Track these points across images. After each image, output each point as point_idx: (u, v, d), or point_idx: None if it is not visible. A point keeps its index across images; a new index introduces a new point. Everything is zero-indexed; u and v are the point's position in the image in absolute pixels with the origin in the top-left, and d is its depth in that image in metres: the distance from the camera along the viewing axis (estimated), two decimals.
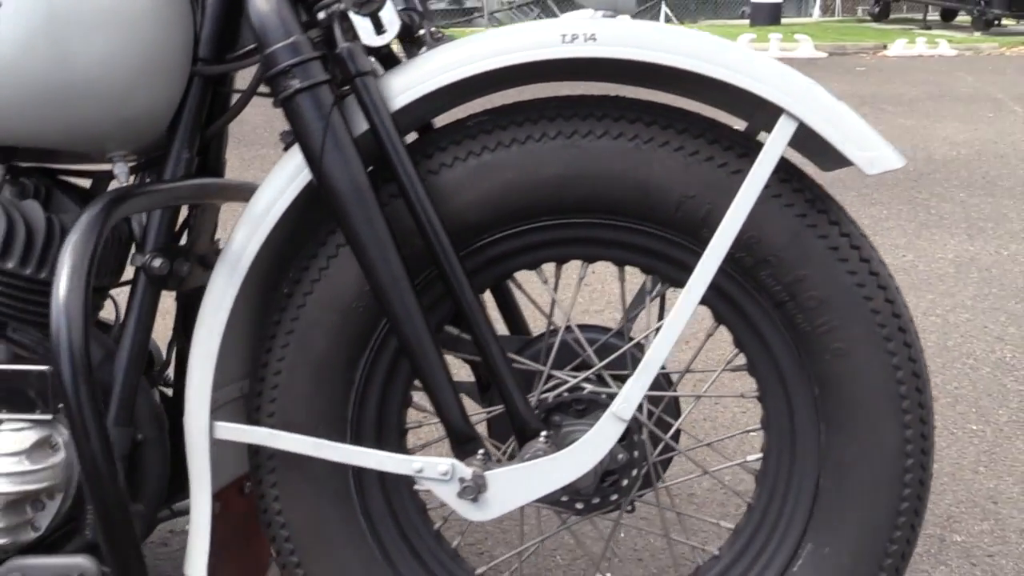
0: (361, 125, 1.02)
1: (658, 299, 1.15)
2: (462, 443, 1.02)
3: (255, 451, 1.12)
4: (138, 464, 1.12)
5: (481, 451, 1.01)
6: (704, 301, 1.08)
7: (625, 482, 1.09)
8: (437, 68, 1.01)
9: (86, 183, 1.20)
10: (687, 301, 0.99)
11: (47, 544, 1.10)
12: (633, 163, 1.02)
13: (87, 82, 1.02)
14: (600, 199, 1.04)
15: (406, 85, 1.01)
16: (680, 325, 0.98)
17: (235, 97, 1.15)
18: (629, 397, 0.98)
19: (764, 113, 1.05)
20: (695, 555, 1.17)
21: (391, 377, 1.12)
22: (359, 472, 1.12)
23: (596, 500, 1.09)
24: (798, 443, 1.08)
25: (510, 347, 1.11)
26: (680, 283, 1.09)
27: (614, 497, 1.09)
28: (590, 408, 1.09)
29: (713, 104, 1.10)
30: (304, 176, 1.04)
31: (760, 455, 1.13)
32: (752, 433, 1.15)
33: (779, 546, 1.10)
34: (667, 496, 1.15)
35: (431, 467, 0.99)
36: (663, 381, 1.12)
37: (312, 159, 1.00)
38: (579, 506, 1.10)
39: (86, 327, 0.89)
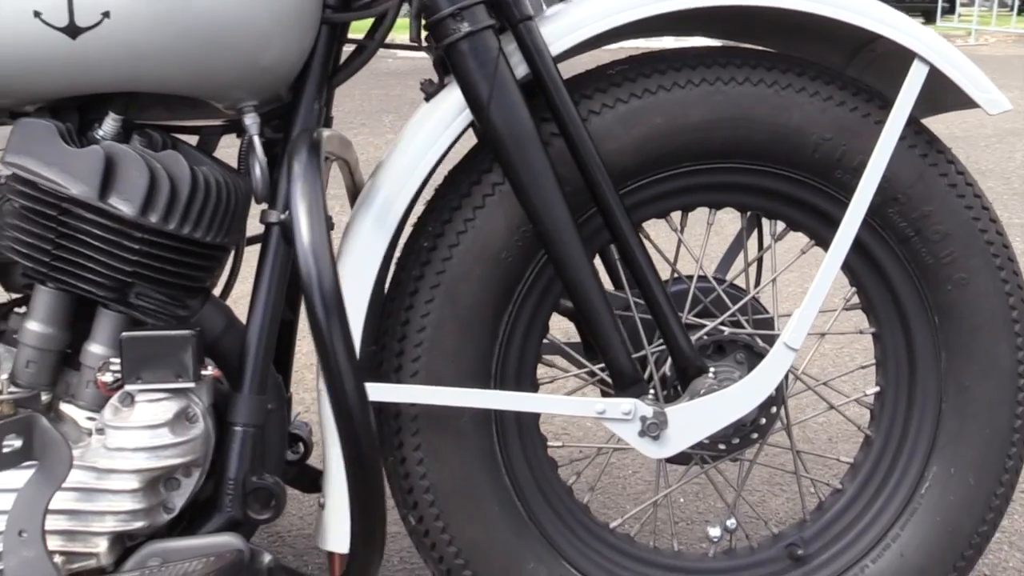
0: (518, 70, 1.01)
1: (767, 243, 1.20)
2: (628, 385, 1.03)
3: (395, 414, 1.08)
4: (267, 435, 1.06)
5: (650, 392, 1.02)
6: (822, 243, 1.14)
7: (764, 420, 1.12)
8: (598, 13, 1.02)
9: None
10: (844, 235, 1.04)
11: (181, 527, 1.01)
12: (774, 107, 1.07)
13: (227, 28, 0.96)
14: (742, 144, 1.07)
15: (566, 30, 1.02)
16: (841, 255, 1.03)
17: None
18: (798, 326, 1.02)
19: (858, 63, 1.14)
20: (817, 490, 1.22)
21: (529, 330, 1.11)
22: (502, 429, 1.10)
23: (736, 440, 1.12)
24: (918, 373, 1.15)
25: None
26: (803, 226, 1.15)
27: (753, 436, 1.12)
28: (728, 350, 1.12)
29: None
30: (459, 123, 1.02)
31: (877, 389, 1.19)
32: (864, 369, 1.21)
33: (904, 473, 1.16)
34: (786, 436, 1.19)
35: (613, 407, 0.99)
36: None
37: (478, 104, 0.99)
38: (721, 447, 1.12)
39: (334, 270, 0.84)
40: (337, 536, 1.03)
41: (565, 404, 1.03)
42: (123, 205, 0.94)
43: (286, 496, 1.03)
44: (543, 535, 1.11)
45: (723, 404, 1.01)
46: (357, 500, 0.90)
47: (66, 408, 1.01)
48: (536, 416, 1.15)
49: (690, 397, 1.02)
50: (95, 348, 1.00)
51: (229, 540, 0.98)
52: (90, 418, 1.00)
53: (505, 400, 1.04)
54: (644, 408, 1.00)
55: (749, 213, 1.19)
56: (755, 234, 1.24)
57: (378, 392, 1.03)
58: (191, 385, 0.97)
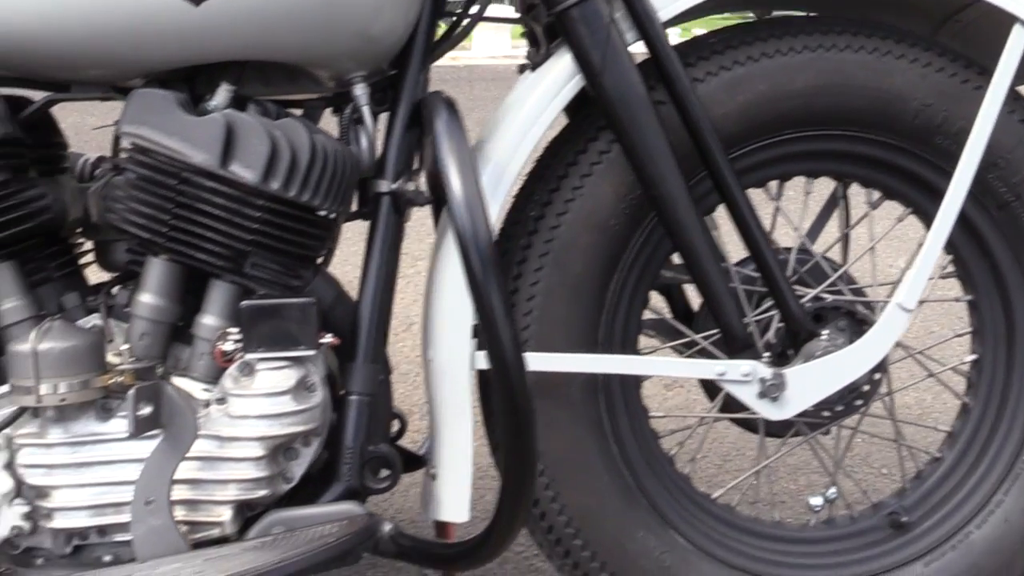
0: (627, 36, 1.02)
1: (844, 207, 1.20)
2: (740, 349, 1.03)
3: None
4: (377, 405, 1.05)
5: (765, 355, 1.02)
6: (919, 212, 1.15)
7: (867, 387, 1.13)
8: None
9: None
10: (953, 197, 1.04)
11: (299, 497, 1.01)
12: (875, 73, 1.08)
13: None
14: (843, 110, 1.08)
15: None
16: (951, 218, 1.04)
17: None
18: (912, 288, 1.02)
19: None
20: (915, 459, 1.22)
21: (633, 299, 1.11)
22: (609, 399, 1.10)
23: (840, 408, 1.12)
24: (1017, 339, 1.15)
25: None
26: (900, 194, 1.15)
27: (857, 404, 1.13)
28: (829, 318, 1.12)
29: None
30: (568, 90, 1.03)
31: (974, 357, 1.19)
32: (958, 338, 1.22)
33: (1005, 439, 1.16)
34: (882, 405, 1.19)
35: (733, 369, 1.00)
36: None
37: (591, 70, 1.00)
38: (825, 415, 1.12)
39: (489, 224, 0.84)
40: (454, 506, 1.03)
41: (686, 367, 1.03)
42: (245, 172, 0.94)
43: (401, 465, 1.03)
44: (651, 504, 1.11)
45: (840, 365, 1.01)
46: (513, 461, 0.90)
47: (179, 381, 1.01)
48: (639, 386, 1.15)
49: (804, 360, 1.02)
50: (208, 320, 1.00)
51: (350, 508, 0.98)
52: (205, 390, 0.99)
53: (631, 364, 1.05)
54: (763, 370, 1.00)
55: (838, 183, 1.19)
56: (840, 204, 1.25)
57: (483, 360, 1.03)
58: (312, 353, 0.97)
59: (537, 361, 1.03)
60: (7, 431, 0.96)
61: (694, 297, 1.16)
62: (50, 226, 1.02)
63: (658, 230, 1.09)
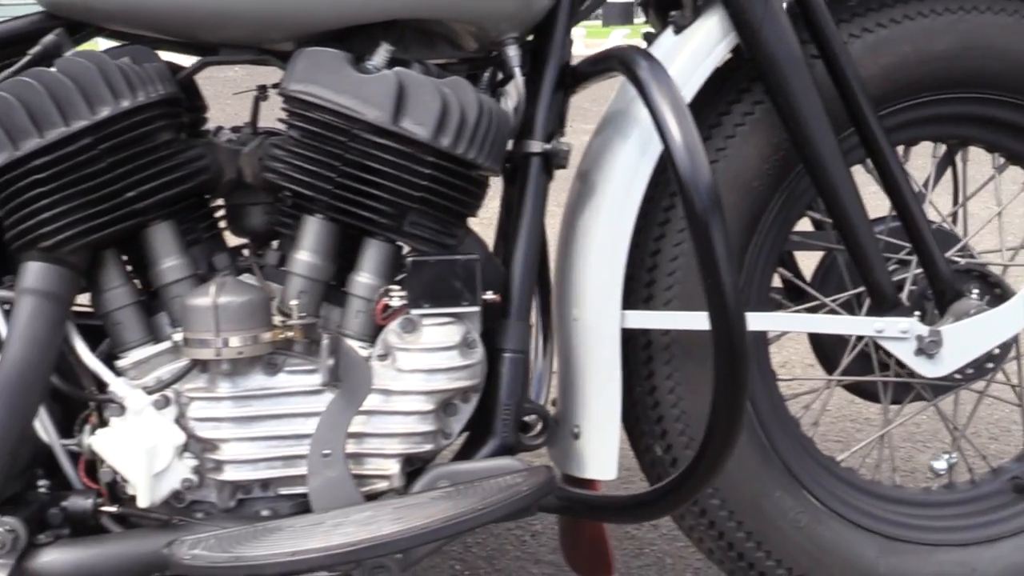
0: None
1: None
2: (888, 307, 1.05)
3: (644, 344, 1.09)
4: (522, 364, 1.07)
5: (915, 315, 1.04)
6: None
7: (998, 350, 1.14)
8: None
9: None
10: None
11: (456, 452, 1.03)
12: (1017, 36, 1.09)
13: None
14: (983, 73, 1.10)
15: None
16: None
17: None
18: None
19: None
20: None
21: (768, 260, 1.13)
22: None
23: (970, 370, 1.14)
24: None
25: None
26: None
27: (987, 366, 1.14)
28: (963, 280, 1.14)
29: None
30: (720, 50, 1.04)
31: None
32: None
33: None
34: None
35: (891, 326, 1.01)
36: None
37: (749, 29, 1.01)
38: (957, 376, 1.14)
39: (710, 169, 0.86)
40: (601, 464, 1.05)
41: (844, 324, 1.05)
42: (417, 128, 0.95)
43: (554, 421, 1.05)
44: (784, 465, 1.13)
45: (994, 325, 1.03)
46: (723, 412, 0.91)
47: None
48: (767, 348, 1.16)
49: (954, 319, 1.04)
50: (364, 278, 1.01)
51: (511, 463, 1.00)
52: (362, 347, 1.01)
53: (793, 322, 1.07)
54: (920, 327, 1.02)
55: (954, 148, 1.21)
56: (948, 169, 1.26)
57: (632, 320, 1.05)
58: (476, 309, 0.99)
59: (686, 320, 1.05)
60: (175, 386, 0.98)
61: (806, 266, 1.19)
62: (206, 187, 1.03)
63: (795, 192, 1.11)
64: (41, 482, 1.00)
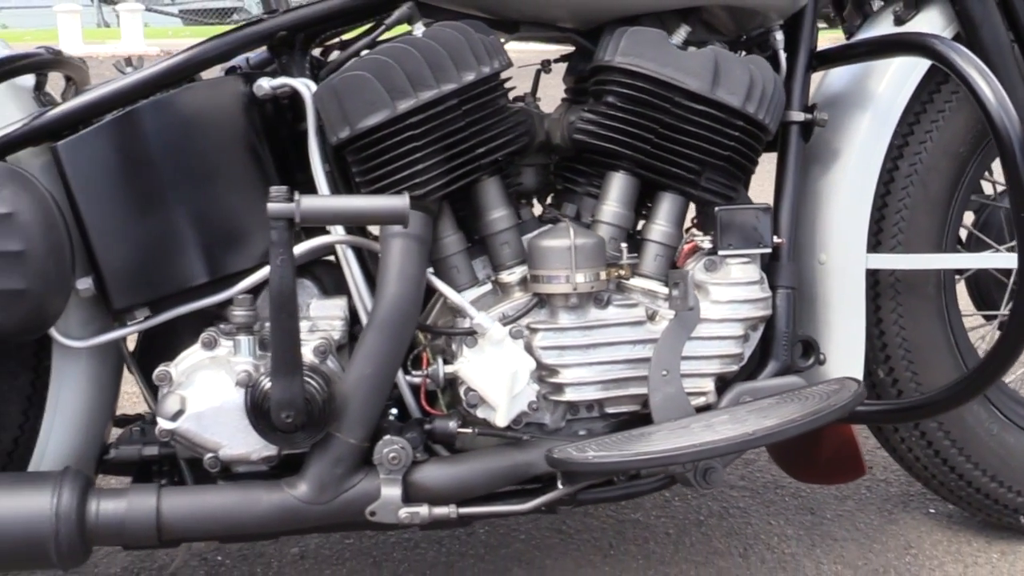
0: None
1: None
2: None
3: (873, 283, 1.29)
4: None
5: None
6: None
7: None
8: None
9: None
10: None
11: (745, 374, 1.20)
12: None
13: None
14: None
15: None
16: None
17: None
18: None
19: None
20: None
21: (960, 213, 1.35)
22: (947, 294, 1.33)
23: None
24: None
25: None
26: None
27: None
28: None
29: None
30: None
31: None
32: None
33: None
34: None
35: None
36: None
37: (971, 22, 1.22)
38: None
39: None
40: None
41: None
42: (730, 97, 1.12)
43: (819, 348, 1.23)
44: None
45: None
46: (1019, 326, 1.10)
47: (634, 282, 1.18)
48: (954, 288, 1.38)
49: None
50: (661, 226, 1.17)
51: (796, 380, 1.18)
52: (661, 285, 1.17)
53: (1005, 260, 1.30)
54: None
55: None
56: None
57: (875, 261, 1.25)
58: (768, 250, 1.17)
59: (924, 261, 1.26)
60: (521, 320, 1.12)
61: None
62: (524, 147, 1.17)
63: (984, 156, 1.33)
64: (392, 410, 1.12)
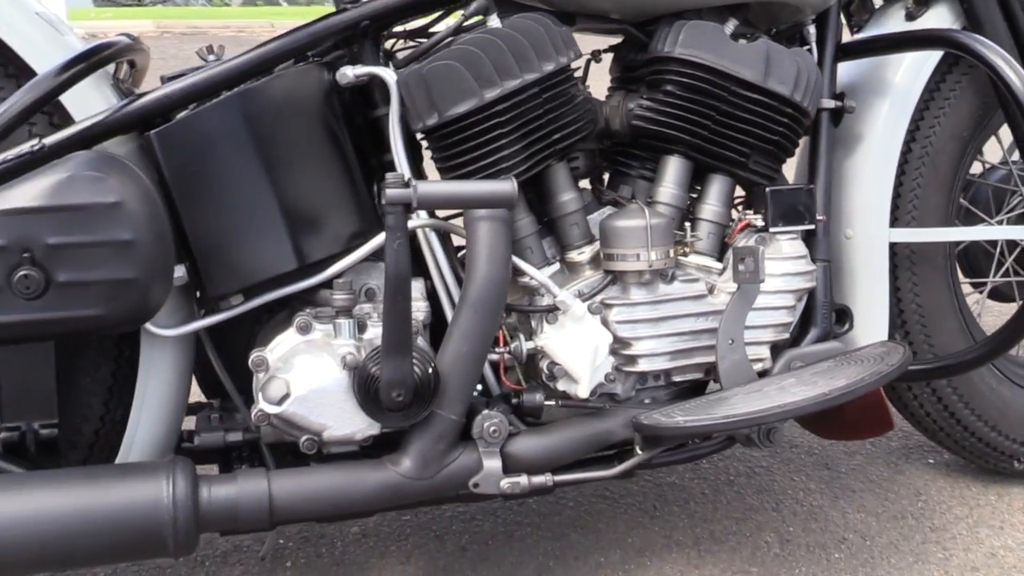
0: None
1: None
2: None
3: (890, 255, 1.40)
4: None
5: None
6: None
7: None
8: None
9: None
10: None
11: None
12: None
13: None
14: None
15: None
16: None
17: None
18: None
19: None
20: None
21: (963, 187, 1.48)
22: (952, 263, 1.46)
23: None
24: None
25: None
26: None
27: None
28: None
29: None
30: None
31: None
32: None
33: None
34: None
35: None
36: None
37: (977, 19, 1.35)
38: None
39: None
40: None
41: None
42: (781, 86, 1.21)
43: (852, 315, 1.34)
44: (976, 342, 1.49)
45: None
46: None
47: (691, 259, 1.25)
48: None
49: None
50: (712, 205, 1.26)
51: (838, 346, 1.28)
52: (717, 260, 1.25)
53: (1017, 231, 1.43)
54: None
55: None
56: None
57: (896, 235, 1.37)
58: (813, 227, 1.26)
59: (944, 234, 1.39)
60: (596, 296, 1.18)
61: None
62: (588, 133, 1.23)
63: (979, 138, 1.47)
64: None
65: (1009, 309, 1.63)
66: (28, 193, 0.94)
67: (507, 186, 1.02)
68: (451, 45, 1.14)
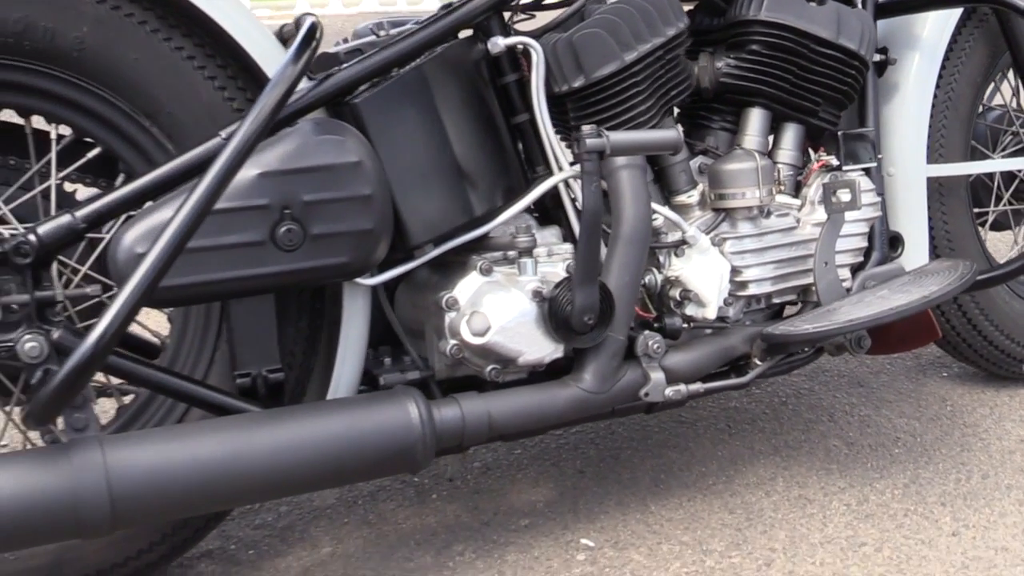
0: None
1: None
2: None
3: (935, 187, 1.63)
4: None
5: None
6: None
7: None
8: None
9: None
10: None
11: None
12: None
13: None
14: None
15: None
16: None
17: None
18: None
19: None
20: None
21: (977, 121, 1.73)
22: (969, 190, 1.71)
23: None
24: None
25: None
26: None
27: None
28: None
29: None
30: None
31: None
32: None
33: None
34: None
35: None
36: None
37: None
38: None
39: None
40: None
41: None
42: (850, 43, 1.41)
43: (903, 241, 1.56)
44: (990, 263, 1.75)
45: None
46: None
47: (778, 198, 1.44)
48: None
49: None
50: (788, 150, 1.45)
51: (900, 266, 1.50)
52: (793, 197, 1.45)
53: (996, 165, 1.68)
54: None
55: None
56: None
57: (932, 171, 1.60)
58: (875, 165, 1.47)
59: (973, 167, 1.62)
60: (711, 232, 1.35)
61: None
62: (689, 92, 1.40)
63: (985, 84, 1.72)
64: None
65: (1004, 237, 1.92)
66: (281, 156, 1.04)
67: (675, 133, 1.19)
68: (580, 16, 1.30)
